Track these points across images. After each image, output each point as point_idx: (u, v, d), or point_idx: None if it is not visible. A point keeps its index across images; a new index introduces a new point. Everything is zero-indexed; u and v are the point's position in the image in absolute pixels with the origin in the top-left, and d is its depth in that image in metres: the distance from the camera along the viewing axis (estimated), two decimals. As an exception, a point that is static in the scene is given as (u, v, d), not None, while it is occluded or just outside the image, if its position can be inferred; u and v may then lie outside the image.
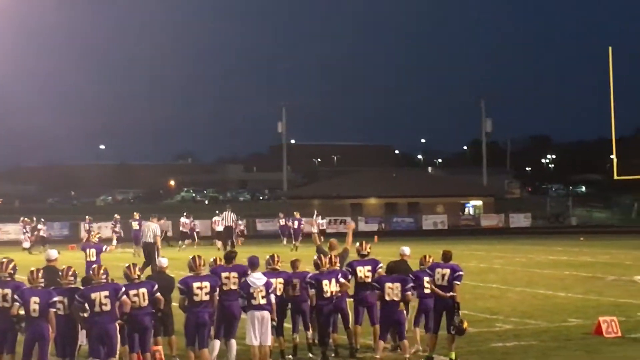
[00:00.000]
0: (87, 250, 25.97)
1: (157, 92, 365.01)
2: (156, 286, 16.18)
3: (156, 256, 31.32)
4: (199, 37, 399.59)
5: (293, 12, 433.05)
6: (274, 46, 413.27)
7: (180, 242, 54.34)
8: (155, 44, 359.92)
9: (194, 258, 16.62)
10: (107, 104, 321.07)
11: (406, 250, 19.66)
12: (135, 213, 54.13)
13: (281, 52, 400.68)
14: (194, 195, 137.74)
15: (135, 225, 52.17)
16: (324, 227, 59.09)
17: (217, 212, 55.16)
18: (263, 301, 16.55)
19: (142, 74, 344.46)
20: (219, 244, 51.91)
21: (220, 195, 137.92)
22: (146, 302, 15.89)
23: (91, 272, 15.75)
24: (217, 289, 16.55)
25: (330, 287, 17.58)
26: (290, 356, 17.92)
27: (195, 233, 57.58)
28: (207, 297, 16.24)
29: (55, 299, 15.09)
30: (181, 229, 56.20)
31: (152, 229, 34.36)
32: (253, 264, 17.35)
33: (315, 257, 18.22)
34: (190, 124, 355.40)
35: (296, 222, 54.97)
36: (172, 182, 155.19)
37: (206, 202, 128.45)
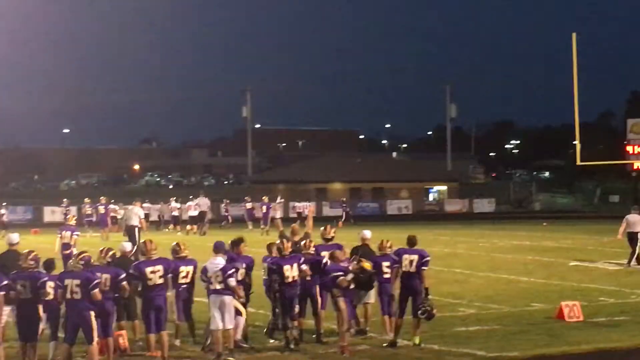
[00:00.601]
0: (63, 233, 26.59)
1: (121, 76, 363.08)
2: (123, 274, 16.14)
3: (137, 239, 32.27)
4: (162, 21, 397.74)
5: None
6: (237, 29, 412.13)
7: (171, 226, 55.45)
8: (119, 28, 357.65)
9: (144, 242, 16.53)
10: (71, 87, 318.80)
11: (367, 233, 19.71)
12: (102, 197, 54.35)
13: (245, 36, 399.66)
14: (158, 179, 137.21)
15: (101, 209, 52.37)
16: (301, 211, 61.55)
17: (190, 197, 56.23)
18: (219, 286, 16.45)
19: (106, 57, 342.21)
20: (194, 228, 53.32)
21: (184, 179, 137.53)
22: (107, 287, 15.88)
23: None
24: (171, 272, 16.59)
25: (292, 272, 17.47)
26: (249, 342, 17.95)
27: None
28: (160, 281, 16.22)
29: (5, 282, 15.12)
30: (173, 213, 56.49)
31: (135, 212, 35.41)
32: (217, 248, 17.30)
33: (278, 242, 18.17)
34: (155, 108, 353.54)
35: (265, 207, 55.27)
36: (136, 167, 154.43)
37: (170, 186, 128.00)
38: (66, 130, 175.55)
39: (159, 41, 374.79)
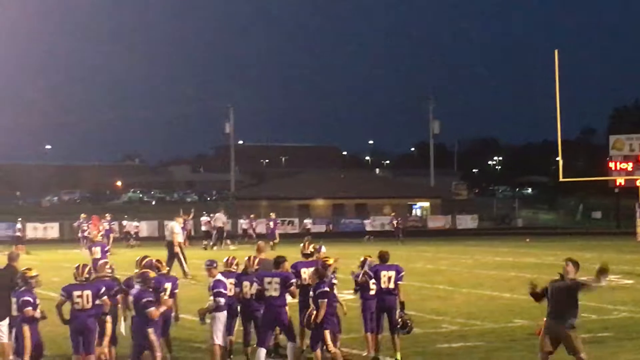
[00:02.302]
0: (92, 249, 27.08)
1: (103, 93, 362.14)
2: (103, 289, 16.07)
3: (180, 252, 33.94)
4: (144, 38, 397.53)
5: (238, 12, 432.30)
6: (219, 46, 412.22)
7: (204, 241, 55.70)
8: (100, 44, 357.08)
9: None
10: (52, 103, 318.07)
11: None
12: (82, 215, 54.33)
13: (227, 53, 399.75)
14: (140, 196, 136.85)
15: (84, 225, 52.53)
16: (309, 227, 63.96)
17: (204, 212, 57.51)
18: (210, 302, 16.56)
19: (87, 73, 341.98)
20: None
21: (167, 196, 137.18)
22: (89, 305, 15.79)
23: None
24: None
25: (250, 289, 17.23)
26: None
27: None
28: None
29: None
30: (203, 227, 56.86)
31: (171, 227, 35.61)
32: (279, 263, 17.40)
33: (246, 259, 18.03)
34: (137, 124, 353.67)
35: (272, 222, 56.61)
36: (118, 183, 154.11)
37: (153, 202, 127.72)
38: (48, 147, 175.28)
39: (140, 58, 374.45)
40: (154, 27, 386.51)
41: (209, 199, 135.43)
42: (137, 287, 15.99)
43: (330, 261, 17.61)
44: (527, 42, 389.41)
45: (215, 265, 17.12)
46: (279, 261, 17.43)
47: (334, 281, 17.53)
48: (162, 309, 15.95)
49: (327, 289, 16.45)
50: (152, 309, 15.48)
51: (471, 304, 26.63)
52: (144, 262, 16.97)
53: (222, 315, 16.65)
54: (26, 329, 15.62)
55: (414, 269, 36.72)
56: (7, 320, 16.69)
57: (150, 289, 15.86)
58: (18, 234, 56.55)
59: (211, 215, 56.80)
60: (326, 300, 16.26)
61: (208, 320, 16.87)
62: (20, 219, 59.34)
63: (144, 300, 15.56)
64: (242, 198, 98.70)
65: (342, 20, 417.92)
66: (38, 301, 15.80)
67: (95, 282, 16.50)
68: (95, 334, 16.02)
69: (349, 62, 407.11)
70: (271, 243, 53.73)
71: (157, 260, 17.78)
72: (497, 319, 23.22)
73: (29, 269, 16.34)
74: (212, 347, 16.72)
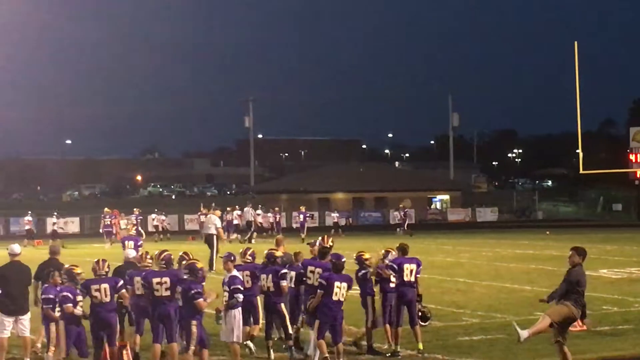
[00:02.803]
0: (126, 242, 27.32)
1: (123, 87, 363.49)
2: (121, 282, 16.14)
3: (215, 246, 34.08)
4: (164, 32, 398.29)
5: (259, 6, 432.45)
6: (240, 40, 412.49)
7: (237, 235, 55.39)
8: (121, 38, 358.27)
9: (97, 261, 16.34)
10: (73, 98, 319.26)
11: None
12: (106, 209, 54.61)
13: (248, 46, 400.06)
14: (160, 190, 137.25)
15: (107, 220, 52.71)
16: (336, 220, 62.93)
17: (236, 206, 57.57)
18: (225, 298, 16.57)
19: (108, 67, 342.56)
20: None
21: (187, 190, 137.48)
22: (108, 298, 15.83)
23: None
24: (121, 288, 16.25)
25: (267, 281, 17.62)
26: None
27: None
28: (107, 299, 15.88)
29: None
30: (235, 221, 56.65)
31: (213, 220, 35.66)
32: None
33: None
34: (157, 118, 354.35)
35: (302, 216, 58.06)
36: (138, 177, 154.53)
37: (173, 196, 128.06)
38: (68, 141, 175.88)
39: (161, 51, 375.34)
40: (175, 21, 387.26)
41: (228, 192, 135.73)
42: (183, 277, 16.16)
43: (367, 255, 17.95)
44: (547, 34, 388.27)
45: (233, 258, 17.11)
46: (325, 252, 17.78)
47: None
48: (210, 300, 16.03)
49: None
50: (201, 300, 15.57)
51: (492, 296, 26.61)
52: (162, 255, 16.95)
53: (238, 312, 16.55)
54: (61, 326, 15.56)
55: (434, 262, 36.68)
56: (28, 315, 16.78)
57: (198, 281, 15.95)
58: (28, 227, 56.48)
59: (243, 209, 57.32)
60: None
61: (220, 322, 16.76)
62: (30, 212, 59.12)
63: (193, 291, 15.62)
64: (262, 192, 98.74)
65: (361, 12, 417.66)
66: (79, 298, 15.73)
67: (123, 270, 16.82)
68: (117, 328, 16.07)
69: (369, 55, 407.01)
70: (302, 235, 54.97)
71: (185, 253, 17.87)
72: (517, 312, 23.19)
73: (76, 266, 16.42)
74: (231, 345, 16.62)
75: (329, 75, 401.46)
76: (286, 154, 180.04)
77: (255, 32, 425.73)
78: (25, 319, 16.79)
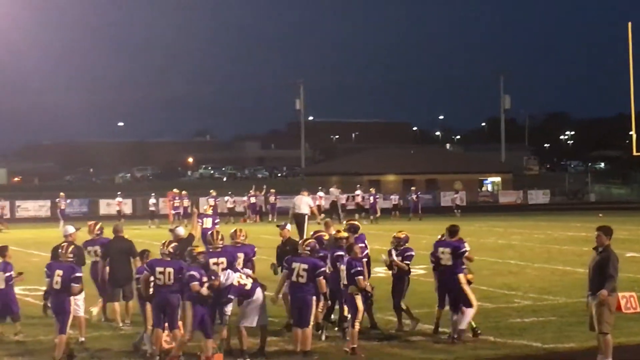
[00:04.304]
0: (204, 219, 28.12)
1: (175, 70, 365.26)
2: (185, 268, 15.93)
3: (305, 226, 34.18)
4: (215, 14, 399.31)
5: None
6: (291, 22, 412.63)
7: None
8: (172, 20, 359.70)
9: (164, 243, 16.23)
10: (125, 81, 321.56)
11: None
12: (174, 190, 56.08)
13: (298, 29, 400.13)
14: (212, 172, 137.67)
15: (153, 200, 53.81)
16: (396, 202, 63.81)
17: (320, 188, 59.71)
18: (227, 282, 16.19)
19: (160, 50, 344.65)
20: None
21: (238, 172, 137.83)
22: (171, 282, 15.82)
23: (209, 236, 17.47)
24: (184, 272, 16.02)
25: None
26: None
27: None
28: (170, 282, 15.80)
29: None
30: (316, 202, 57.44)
31: (305, 201, 36.02)
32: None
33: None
34: (208, 101, 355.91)
35: (372, 197, 58.91)
36: (190, 159, 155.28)
37: (224, 179, 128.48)
38: (120, 124, 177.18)
39: (212, 34, 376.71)
40: (224, 3, 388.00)
41: (279, 175, 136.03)
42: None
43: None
44: (600, 15, 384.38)
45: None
46: (454, 230, 17.91)
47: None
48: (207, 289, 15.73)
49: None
50: (195, 283, 15.41)
51: (544, 278, 26.52)
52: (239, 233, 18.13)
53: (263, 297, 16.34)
54: (188, 305, 15.49)
55: (486, 244, 36.60)
56: (83, 295, 16.92)
57: (200, 266, 15.92)
58: (117, 208, 59.39)
59: (326, 190, 59.95)
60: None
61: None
62: (62, 193, 58.96)
63: (187, 275, 15.61)
64: (312, 174, 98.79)
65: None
66: (205, 278, 15.56)
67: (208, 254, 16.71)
68: (178, 310, 15.97)
69: (420, 38, 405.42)
70: (371, 217, 56.79)
71: (237, 229, 18.36)
72: (570, 294, 23.08)
73: (197, 246, 16.56)
74: (261, 327, 16.32)
75: (380, 57, 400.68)
76: (337, 137, 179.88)
77: (307, 15, 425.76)
78: (79, 298, 16.81)
